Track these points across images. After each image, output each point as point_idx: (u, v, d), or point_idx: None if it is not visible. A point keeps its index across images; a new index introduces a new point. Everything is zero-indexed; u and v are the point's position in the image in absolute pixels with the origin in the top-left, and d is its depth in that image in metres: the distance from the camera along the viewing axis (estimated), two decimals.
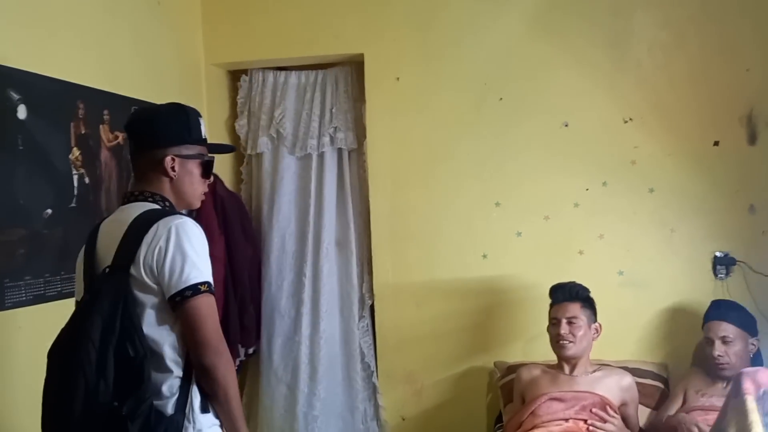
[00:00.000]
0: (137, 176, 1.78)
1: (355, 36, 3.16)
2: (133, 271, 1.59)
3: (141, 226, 1.62)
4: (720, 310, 2.67)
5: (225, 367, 1.59)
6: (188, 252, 1.59)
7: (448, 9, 3.10)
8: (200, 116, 1.82)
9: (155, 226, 1.61)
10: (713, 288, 2.91)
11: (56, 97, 2.29)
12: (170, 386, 1.60)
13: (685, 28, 2.93)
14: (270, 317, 3.29)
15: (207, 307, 1.59)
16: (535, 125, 3.04)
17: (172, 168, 1.72)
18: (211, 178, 1.84)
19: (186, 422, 1.60)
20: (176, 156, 1.72)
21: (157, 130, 1.74)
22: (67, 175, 2.33)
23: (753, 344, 2.63)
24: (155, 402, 1.57)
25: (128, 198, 1.75)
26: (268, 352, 3.27)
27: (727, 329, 2.58)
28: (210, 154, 1.82)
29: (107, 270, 1.62)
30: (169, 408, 1.59)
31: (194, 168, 1.76)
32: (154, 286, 1.59)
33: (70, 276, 2.30)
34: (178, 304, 1.57)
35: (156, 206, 1.70)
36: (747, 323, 2.64)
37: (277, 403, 3.25)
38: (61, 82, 2.31)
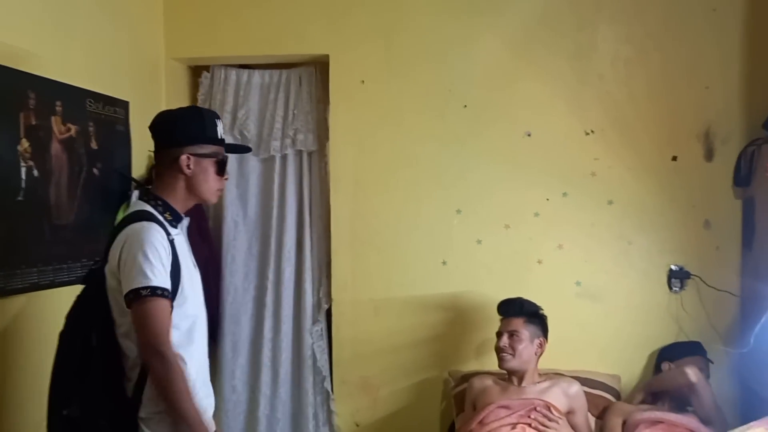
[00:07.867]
0: (156, 173, 1.94)
1: (321, 37, 3.13)
2: (106, 269, 1.80)
3: (118, 228, 1.83)
4: (698, 345, 2.83)
5: (161, 365, 1.72)
6: (137, 257, 1.72)
7: (413, 15, 3.08)
8: (218, 118, 1.95)
9: (124, 230, 1.78)
10: (668, 301, 2.95)
11: (5, 86, 2.19)
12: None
13: (647, 45, 2.97)
14: (236, 320, 3.26)
15: (146, 311, 1.71)
16: (498, 134, 3.05)
17: (188, 166, 1.86)
18: (227, 176, 1.96)
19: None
20: (192, 155, 1.86)
21: (175, 131, 1.90)
22: (15, 167, 2.22)
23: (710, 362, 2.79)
24: None
25: (139, 196, 1.94)
26: (233, 355, 3.24)
27: (703, 365, 2.73)
28: (226, 153, 1.95)
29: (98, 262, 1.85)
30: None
31: (209, 166, 1.90)
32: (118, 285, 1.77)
33: (14, 272, 2.21)
34: (128, 305, 1.74)
35: (147, 206, 1.85)
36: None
37: (239, 406, 3.25)
38: (11, 70, 2.21)
